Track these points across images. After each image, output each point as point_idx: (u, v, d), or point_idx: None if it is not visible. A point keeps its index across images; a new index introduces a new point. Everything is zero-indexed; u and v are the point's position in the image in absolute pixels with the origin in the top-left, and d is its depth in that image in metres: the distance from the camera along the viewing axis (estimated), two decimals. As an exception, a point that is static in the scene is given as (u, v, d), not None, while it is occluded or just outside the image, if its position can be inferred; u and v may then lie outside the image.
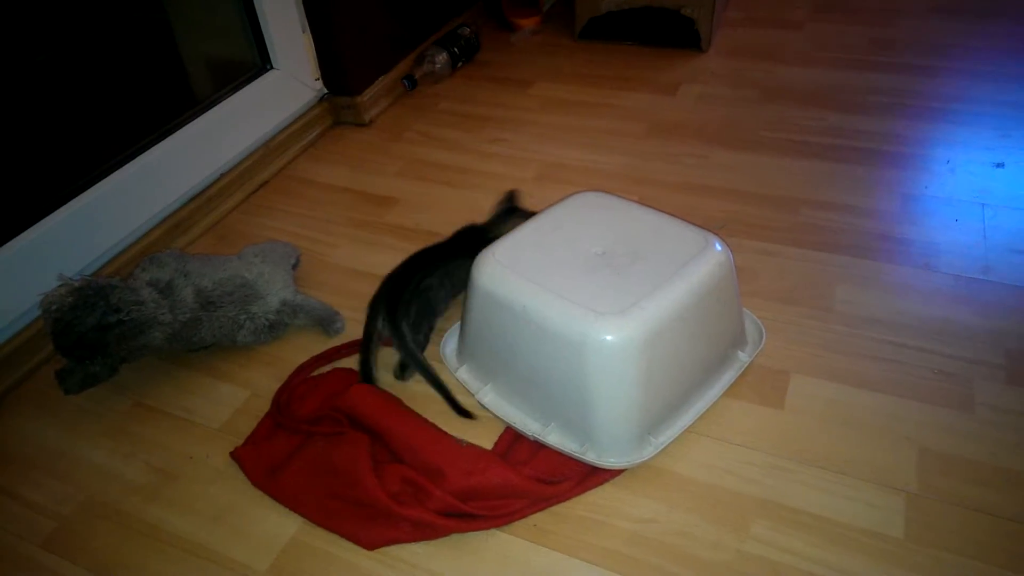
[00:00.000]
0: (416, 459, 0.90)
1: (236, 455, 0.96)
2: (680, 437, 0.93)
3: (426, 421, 0.96)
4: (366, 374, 1.03)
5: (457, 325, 1.08)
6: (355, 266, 1.27)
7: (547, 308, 0.87)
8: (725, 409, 0.97)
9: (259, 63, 1.56)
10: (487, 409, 0.99)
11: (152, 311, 0.98)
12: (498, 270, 0.93)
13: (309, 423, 0.97)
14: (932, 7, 1.99)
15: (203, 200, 1.39)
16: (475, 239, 1.09)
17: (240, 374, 1.09)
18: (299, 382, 1.05)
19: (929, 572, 0.79)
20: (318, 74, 1.64)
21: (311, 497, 0.90)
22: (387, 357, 1.08)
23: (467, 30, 1.88)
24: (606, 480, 0.90)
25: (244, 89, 1.51)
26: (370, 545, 0.85)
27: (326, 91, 1.67)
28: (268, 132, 1.53)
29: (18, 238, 1.14)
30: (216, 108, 1.45)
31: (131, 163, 1.29)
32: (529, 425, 0.95)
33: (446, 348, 1.08)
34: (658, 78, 1.77)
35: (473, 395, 1.00)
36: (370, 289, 1.05)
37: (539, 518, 0.87)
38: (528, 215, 1.10)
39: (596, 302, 0.86)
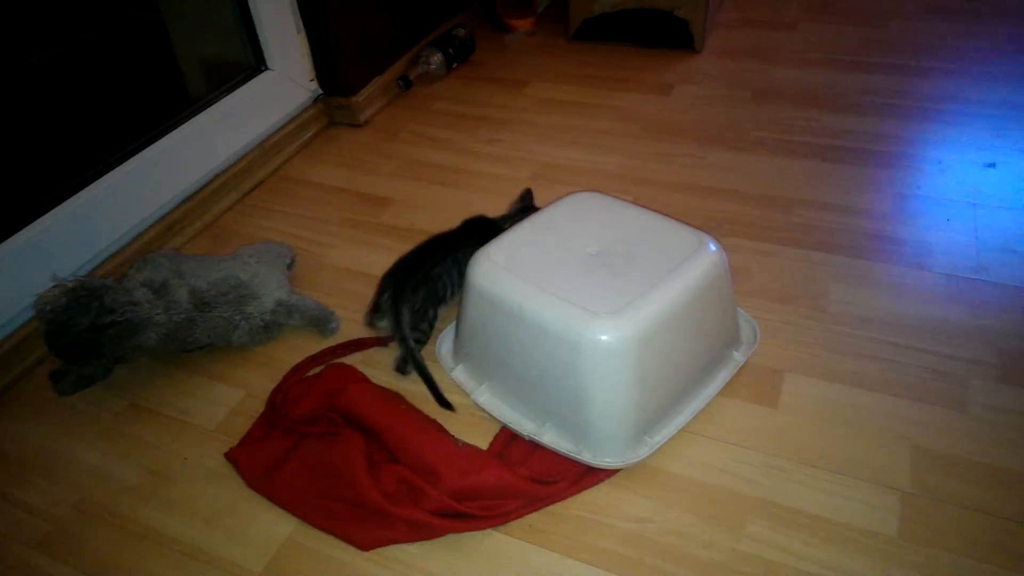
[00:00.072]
0: (412, 459, 0.90)
1: (231, 456, 0.95)
2: (675, 437, 0.93)
3: (426, 420, 0.96)
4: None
5: (453, 325, 1.08)
6: (350, 266, 1.27)
7: (542, 308, 0.88)
8: (720, 408, 0.98)
9: (254, 64, 1.55)
10: (483, 409, 0.99)
11: (146, 312, 0.98)
12: (493, 270, 0.94)
13: (304, 423, 0.97)
14: (924, 8, 2.00)
15: (198, 200, 1.39)
16: (487, 229, 1.09)
17: (235, 375, 1.08)
18: (294, 382, 1.05)
19: (924, 570, 0.79)
20: (313, 75, 1.64)
21: (306, 498, 0.89)
22: (387, 355, 1.08)
23: (462, 31, 1.88)
24: (602, 480, 0.90)
25: (239, 90, 1.50)
26: (366, 546, 0.85)
27: (321, 92, 1.66)
28: (263, 132, 1.53)
29: (12, 239, 1.13)
30: (211, 109, 1.45)
31: (126, 163, 1.29)
32: (524, 425, 0.95)
33: (442, 348, 1.08)
34: (652, 79, 1.78)
35: (469, 395, 1.00)
36: (366, 289, 1.05)
37: (535, 518, 0.87)
38: None
39: (591, 302, 0.86)
